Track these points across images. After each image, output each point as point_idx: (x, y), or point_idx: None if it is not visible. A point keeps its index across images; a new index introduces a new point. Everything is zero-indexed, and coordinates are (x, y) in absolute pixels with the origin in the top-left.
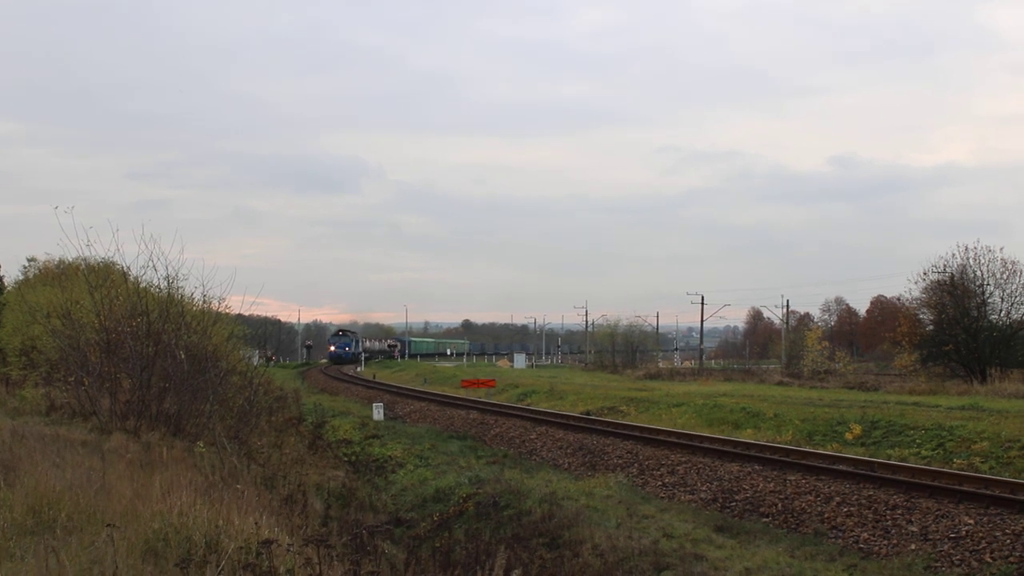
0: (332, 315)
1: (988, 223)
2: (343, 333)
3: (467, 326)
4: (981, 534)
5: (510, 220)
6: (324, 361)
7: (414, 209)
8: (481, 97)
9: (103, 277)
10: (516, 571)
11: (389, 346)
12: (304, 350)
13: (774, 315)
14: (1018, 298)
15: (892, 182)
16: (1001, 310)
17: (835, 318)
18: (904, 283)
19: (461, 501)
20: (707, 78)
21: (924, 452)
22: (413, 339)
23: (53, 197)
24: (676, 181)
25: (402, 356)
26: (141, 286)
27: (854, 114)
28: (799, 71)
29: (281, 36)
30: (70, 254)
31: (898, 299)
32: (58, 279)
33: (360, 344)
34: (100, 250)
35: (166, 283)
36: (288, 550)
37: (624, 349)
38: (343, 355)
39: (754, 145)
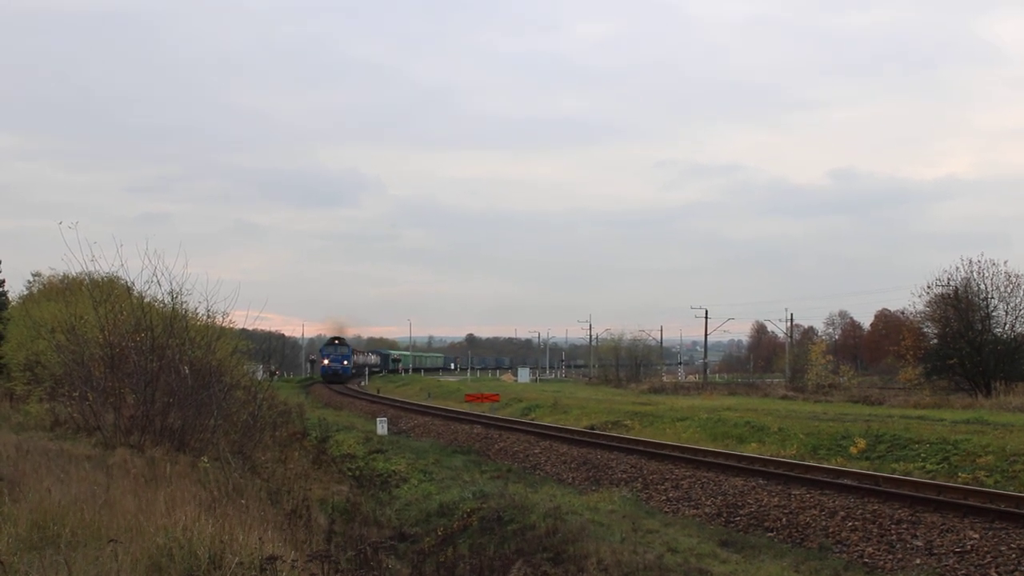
0: (331, 329)
1: (989, 236)
2: (339, 342)
3: (471, 340)
4: (986, 548)
5: (511, 234)
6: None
7: (414, 223)
8: (481, 111)
9: (107, 292)
10: None
11: (393, 361)
12: (308, 364)
13: (778, 329)
14: (1022, 311)
15: (892, 195)
16: (1005, 323)
17: (839, 332)
18: (907, 296)
19: (465, 516)
20: (707, 91)
21: (929, 466)
22: (393, 352)
23: (54, 211)
24: (676, 195)
25: (384, 370)
26: (145, 301)
27: (854, 127)
28: (799, 84)
29: (281, 49)
30: (74, 269)
31: (902, 313)
32: (62, 294)
33: (351, 357)
34: (104, 265)
35: (170, 298)
36: (292, 566)
37: (628, 363)
38: (340, 371)
39: (754, 158)
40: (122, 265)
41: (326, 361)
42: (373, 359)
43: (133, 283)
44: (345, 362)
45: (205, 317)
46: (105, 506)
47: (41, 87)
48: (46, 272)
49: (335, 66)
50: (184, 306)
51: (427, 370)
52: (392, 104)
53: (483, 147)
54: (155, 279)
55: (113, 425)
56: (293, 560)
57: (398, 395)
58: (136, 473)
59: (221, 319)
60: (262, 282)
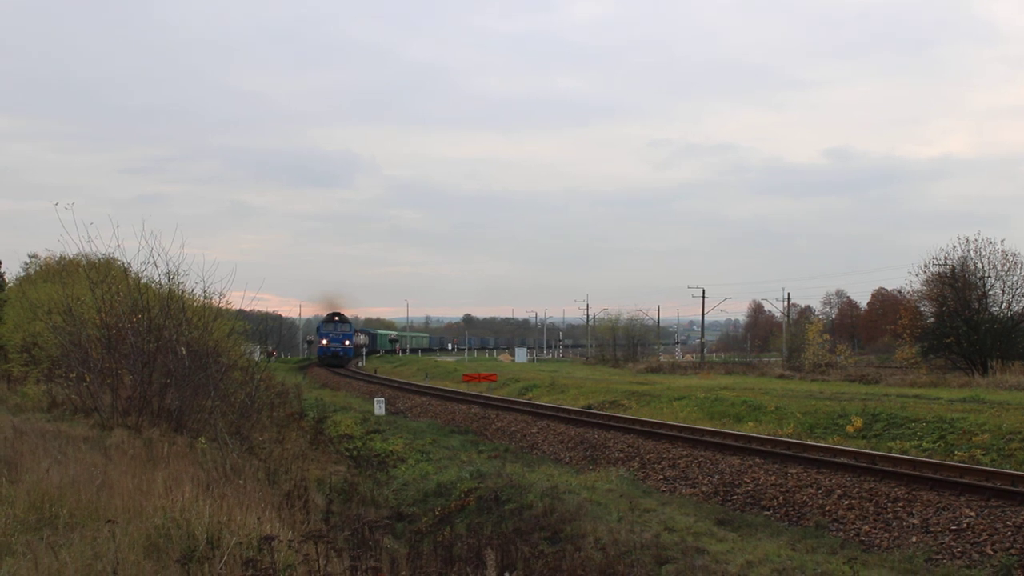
0: (324, 307)
1: (986, 215)
2: (339, 319)
3: (468, 321)
4: (982, 526)
5: (507, 214)
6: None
7: (409, 203)
8: (476, 91)
9: (104, 273)
10: (515, 573)
11: (391, 341)
12: (305, 345)
13: (775, 308)
14: (1019, 290)
15: (889, 174)
16: (1002, 302)
17: (836, 311)
18: (904, 275)
19: (462, 496)
20: (702, 71)
21: (925, 445)
22: (390, 332)
23: (51, 192)
24: (670, 175)
25: (373, 351)
26: (142, 282)
27: (849, 106)
28: (795, 64)
29: (276, 30)
30: (71, 250)
31: (899, 292)
32: (59, 275)
33: (353, 337)
34: (101, 246)
35: (166, 279)
36: (289, 545)
37: (625, 343)
38: (340, 352)
39: (748, 138)
40: (119, 246)
41: (324, 341)
42: (362, 339)
43: (130, 264)
44: (347, 342)
45: (202, 298)
46: (103, 487)
47: (38, 69)
48: (43, 253)
49: (331, 47)
50: (181, 287)
51: (413, 351)
52: (387, 85)
53: (478, 127)
54: (152, 260)
55: (110, 406)
56: (289, 540)
57: (396, 375)
58: (134, 454)
59: (218, 300)
60: (259, 263)
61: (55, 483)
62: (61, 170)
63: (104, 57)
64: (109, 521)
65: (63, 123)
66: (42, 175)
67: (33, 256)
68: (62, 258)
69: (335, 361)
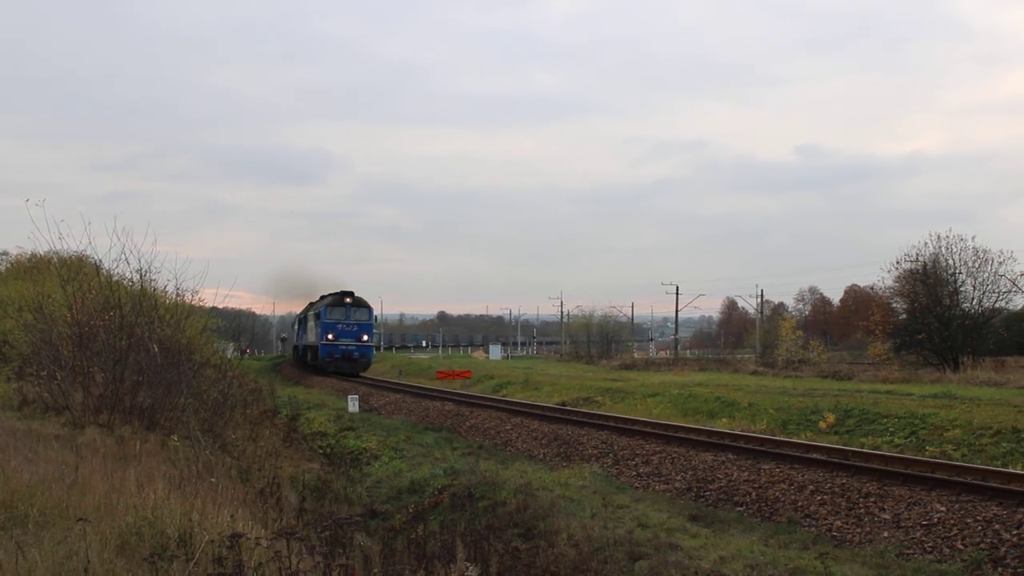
0: (302, 299)
1: (957, 212)
2: (352, 300)
3: (442, 318)
4: (953, 521)
5: (480, 212)
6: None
7: (382, 201)
8: (451, 88)
9: (75, 270)
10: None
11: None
12: (279, 342)
13: (748, 305)
14: (990, 286)
15: (860, 171)
16: (973, 298)
17: (809, 308)
18: (877, 272)
19: (436, 492)
20: (675, 68)
21: (897, 440)
22: None
23: (21, 190)
24: (644, 171)
25: None
26: (114, 279)
27: (820, 103)
28: (767, 60)
29: (250, 27)
30: (42, 247)
31: (871, 288)
32: (29, 273)
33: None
34: (72, 243)
35: (139, 276)
36: (257, 543)
37: (599, 340)
38: (355, 353)
39: (721, 135)
40: (90, 243)
41: (330, 336)
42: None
43: (101, 261)
44: (364, 337)
45: (174, 295)
46: (74, 485)
47: (6, 63)
48: (13, 251)
49: (305, 44)
50: (153, 284)
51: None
52: (360, 81)
53: (452, 124)
54: (123, 257)
55: (82, 404)
56: (258, 538)
57: (369, 373)
58: (105, 452)
59: (190, 297)
60: (232, 260)
61: (25, 481)
62: (30, 167)
63: (74, 53)
64: (80, 519)
65: (32, 119)
66: (10, 173)
67: (3, 253)
68: (33, 255)
69: (347, 367)
